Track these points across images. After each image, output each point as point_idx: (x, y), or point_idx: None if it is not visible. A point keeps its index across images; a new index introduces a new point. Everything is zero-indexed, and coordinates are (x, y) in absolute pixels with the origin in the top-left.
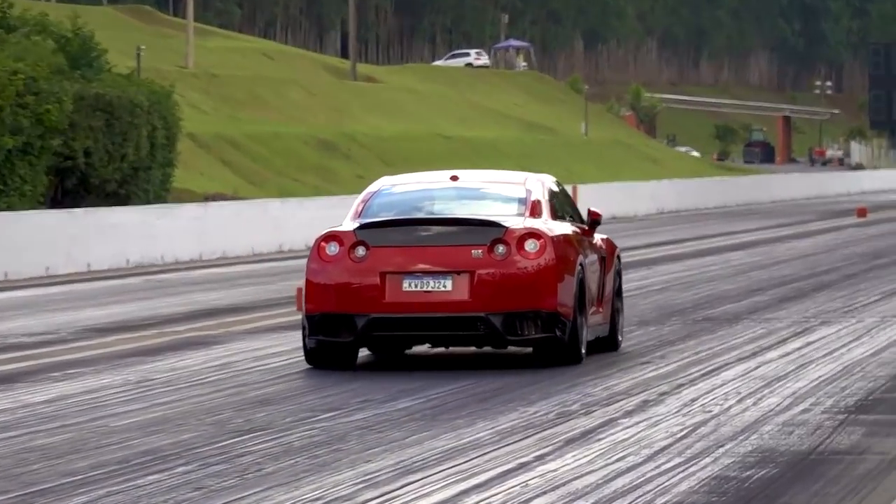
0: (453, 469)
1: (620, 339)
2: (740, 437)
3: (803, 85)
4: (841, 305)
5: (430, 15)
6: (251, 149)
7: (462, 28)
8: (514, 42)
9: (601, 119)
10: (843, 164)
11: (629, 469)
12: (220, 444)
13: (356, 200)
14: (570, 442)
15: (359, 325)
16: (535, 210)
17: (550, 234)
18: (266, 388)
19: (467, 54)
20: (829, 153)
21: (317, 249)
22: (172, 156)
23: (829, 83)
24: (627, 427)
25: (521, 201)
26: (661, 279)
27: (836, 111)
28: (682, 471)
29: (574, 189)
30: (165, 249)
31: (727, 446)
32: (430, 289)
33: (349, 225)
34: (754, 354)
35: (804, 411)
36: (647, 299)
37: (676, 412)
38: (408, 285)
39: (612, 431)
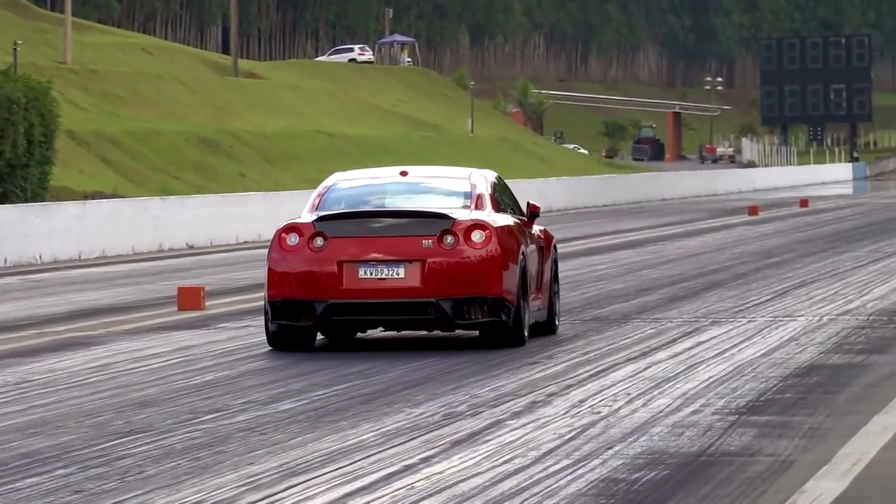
0: (337, 471)
1: (557, 323)
2: (629, 439)
3: (694, 81)
4: (732, 305)
5: (313, 9)
6: (131, 146)
7: (346, 23)
8: (398, 37)
9: (488, 116)
10: (734, 161)
11: (516, 471)
12: (100, 447)
13: (312, 194)
14: (457, 444)
15: (318, 311)
16: (479, 203)
17: (495, 225)
18: (147, 389)
19: (351, 50)
20: (720, 150)
21: (277, 240)
22: (50, 153)
23: (719, 79)
24: (515, 429)
25: (467, 195)
26: None
27: (727, 107)
28: (571, 473)
29: None
30: (43, 248)
31: (616, 448)
32: (384, 276)
33: (307, 217)
34: (644, 355)
35: (694, 412)
36: None
37: (565, 413)
38: (363, 273)
39: (499, 433)
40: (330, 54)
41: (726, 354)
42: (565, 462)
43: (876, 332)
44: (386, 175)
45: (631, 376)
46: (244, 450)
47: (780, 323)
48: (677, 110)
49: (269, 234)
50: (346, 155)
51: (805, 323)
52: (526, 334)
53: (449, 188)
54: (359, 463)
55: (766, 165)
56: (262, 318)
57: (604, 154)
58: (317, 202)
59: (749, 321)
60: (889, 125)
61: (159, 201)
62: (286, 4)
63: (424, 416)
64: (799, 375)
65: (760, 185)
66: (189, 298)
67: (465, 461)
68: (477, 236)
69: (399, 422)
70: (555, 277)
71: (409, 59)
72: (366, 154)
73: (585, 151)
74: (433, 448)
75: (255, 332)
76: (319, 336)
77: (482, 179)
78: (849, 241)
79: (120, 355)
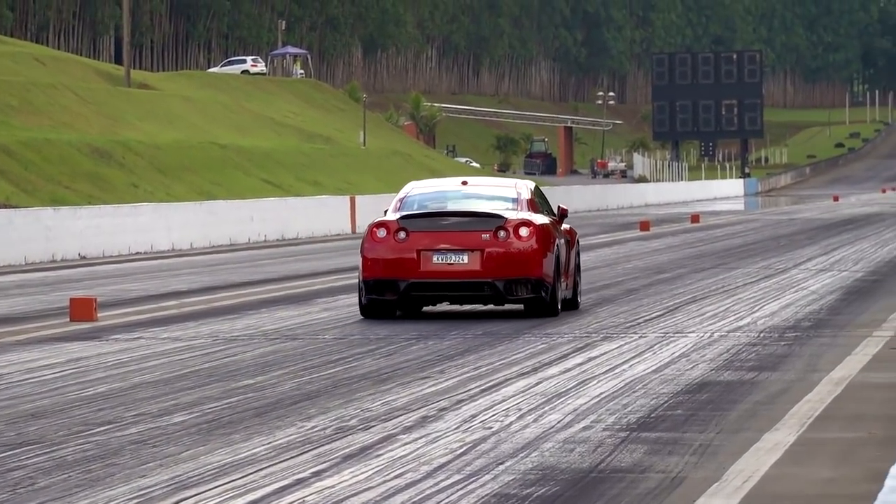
0: (229, 485)
1: (580, 300)
2: (521, 454)
3: (585, 95)
4: (623, 321)
5: (206, 20)
6: (23, 156)
7: (238, 34)
8: (291, 49)
9: (380, 128)
10: (625, 176)
11: (408, 486)
12: None
13: (395, 198)
14: (348, 458)
15: (401, 288)
16: (523, 206)
17: (536, 222)
18: (39, 400)
19: (243, 61)
20: (612, 165)
21: (370, 233)
22: None
23: (611, 94)
24: (406, 443)
25: (514, 200)
26: None
27: (619, 122)
28: (462, 488)
29: (351, 200)
30: None
31: (507, 463)
32: (452, 262)
33: (392, 216)
34: (535, 370)
35: (585, 428)
36: (427, 312)
37: (456, 428)
38: (436, 259)
39: (390, 447)
40: (223, 66)
41: (617, 370)
42: (457, 477)
43: (767, 349)
44: (450, 184)
45: (522, 391)
46: (136, 462)
47: (672, 339)
48: (569, 125)
49: (162, 245)
50: (238, 166)
51: (696, 339)
52: (559, 307)
53: (499, 194)
54: (250, 476)
55: (658, 181)
56: (158, 328)
57: (496, 168)
58: (398, 205)
59: (640, 337)
60: (780, 141)
61: (52, 211)
62: (179, 15)
63: (316, 429)
64: (690, 392)
65: (652, 200)
66: (81, 310)
67: (357, 475)
68: (523, 231)
69: (291, 435)
70: (577, 265)
71: (302, 72)
72: (258, 165)
73: (477, 165)
74: (325, 462)
75: (147, 344)
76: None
77: (525, 188)
78: (740, 257)
79: (12, 366)
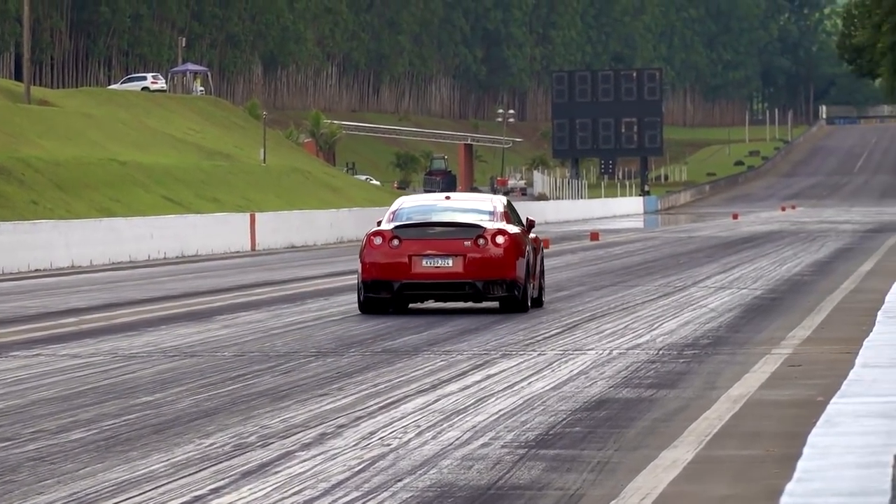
0: (127, 502)
1: (544, 299)
2: (419, 472)
3: (486, 113)
4: (522, 338)
5: (106, 37)
6: None
7: (139, 51)
8: (191, 66)
9: (280, 146)
10: (525, 193)
11: (306, 503)
12: None
13: (388, 211)
14: (247, 475)
15: (394, 287)
16: (499, 218)
17: (510, 232)
18: None
19: (144, 78)
20: (512, 182)
21: (368, 240)
22: None
23: (511, 111)
24: (305, 460)
25: (490, 213)
26: (339, 309)
27: (519, 140)
28: None
29: (252, 218)
30: None
31: (406, 480)
32: (438, 265)
33: (387, 226)
34: (434, 387)
35: (484, 445)
36: (325, 330)
37: (355, 445)
38: (425, 263)
39: (289, 464)
40: (123, 82)
41: (516, 387)
42: (355, 494)
43: (665, 367)
44: (435, 199)
45: (421, 409)
46: (34, 479)
47: (570, 356)
48: (469, 142)
49: (61, 262)
50: (139, 183)
51: (595, 357)
52: (529, 304)
53: (477, 208)
54: (148, 493)
55: (558, 198)
56: (57, 345)
57: (395, 185)
58: (391, 216)
59: (539, 354)
60: (680, 159)
61: None
62: (79, 32)
63: (215, 446)
64: (588, 409)
65: (551, 217)
66: None
67: (255, 492)
68: (499, 239)
69: (189, 452)
70: (542, 270)
71: (202, 89)
72: (157, 182)
73: (377, 182)
74: (223, 479)
75: (46, 361)
76: (111, 365)
77: (499, 202)
78: (639, 274)
79: None
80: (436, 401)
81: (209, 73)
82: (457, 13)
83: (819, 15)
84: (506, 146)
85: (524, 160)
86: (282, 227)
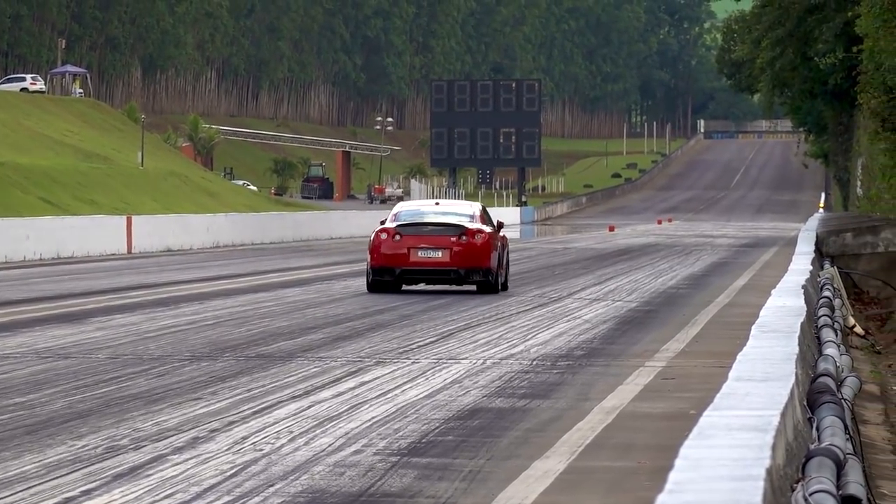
0: None
1: (508, 285)
2: (291, 477)
3: (364, 120)
4: (396, 346)
5: None
6: None
7: (18, 52)
8: (70, 68)
9: (158, 149)
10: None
11: None
12: None
13: (390, 213)
14: (119, 477)
15: (396, 272)
16: (477, 220)
17: (486, 231)
18: None
19: (23, 79)
20: (389, 190)
21: (376, 236)
22: None
23: (390, 119)
24: (177, 463)
25: (471, 216)
26: (214, 314)
27: (397, 148)
28: None
29: (128, 220)
30: None
31: (277, 486)
32: (430, 256)
33: (391, 224)
34: (307, 393)
35: (356, 452)
36: (200, 334)
37: (227, 450)
38: (420, 254)
39: (161, 468)
40: (1, 83)
41: (390, 395)
42: (226, 499)
43: (539, 377)
44: (428, 204)
45: (294, 414)
46: None
47: (444, 365)
48: (347, 149)
49: None
50: (16, 184)
51: (469, 366)
52: (499, 289)
53: (461, 212)
54: (20, 494)
55: None
56: None
57: (273, 191)
58: (393, 218)
59: (413, 362)
60: (557, 170)
61: None
62: None
63: (87, 448)
64: (461, 418)
65: None
66: None
67: (127, 495)
68: (478, 237)
69: (61, 454)
70: (507, 261)
71: (81, 91)
72: (35, 184)
73: (255, 188)
74: (95, 481)
75: None
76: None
77: (477, 208)
78: (514, 284)
79: None
80: (309, 407)
81: (88, 76)
82: (337, 20)
83: (699, 29)
84: (384, 154)
85: (402, 168)
86: (158, 231)
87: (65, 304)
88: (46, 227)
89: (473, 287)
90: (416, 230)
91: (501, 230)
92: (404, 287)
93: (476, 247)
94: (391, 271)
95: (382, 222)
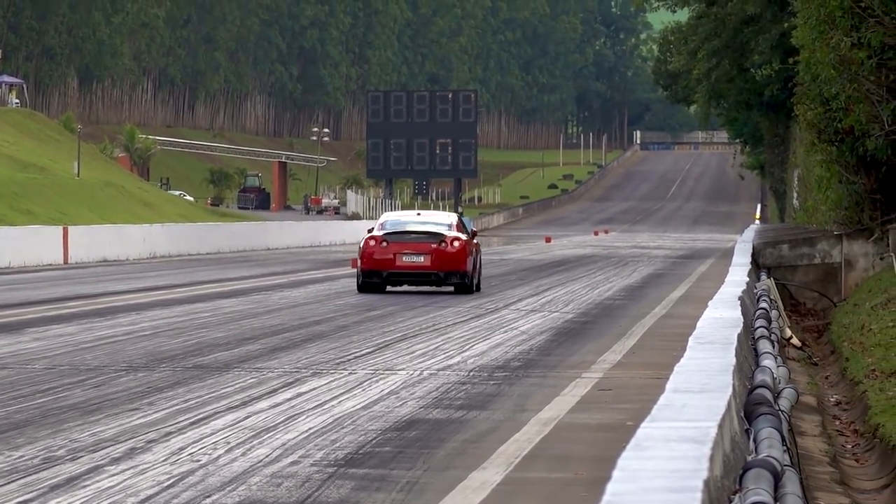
0: None
1: (480, 287)
2: (228, 488)
3: (301, 131)
4: (333, 357)
5: None
6: None
7: None
8: (6, 78)
9: (94, 160)
10: (339, 212)
11: None
12: None
13: (377, 223)
14: (55, 488)
15: (383, 275)
16: (454, 228)
17: (462, 238)
18: None
19: None
20: (325, 201)
21: (365, 242)
22: None
23: (326, 130)
24: (114, 474)
25: (449, 225)
26: (151, 324)
27: (334, 159)
28: None
29: (64, 231)
30: None
31: (214, 497)
32: (413, 260)
33: (378, 232)
34: (244, 404)
35: (293, 463)
36: (137, 345)
37: (164, 461)
38: (404, 259)
39: (98, 478)
40: None
41: (327, 406)
42: None
43: (476, 388)
44: (411, 214)
45: (231, 425)
46: None
47: (381, 376)
48: (283, 160)
49: None
50: None
51: (406, 377)
52: (474, 289)
53: (440, 221)
54: None
55: (372, 218)
56: None
57: (209, 202)
58: (380, 226)
59: (350, 373)
60: (494, 181)
61: None
62: None
63: (23, 459)
64: (398, 429)
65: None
66: None
67: None
68: (455, 244)
69: None
70: (480, 266)
71: (17, 101)
72: None
73: (191, 198)
74: (31, 492)
75: None
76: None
77: (454, 218)
78: (450, 296)
79: None
80: (246, 418)
81: (24, 86)
82: (273, 31)
83: (635, 40)
84: (320, 165)
85: (338, 179)
86: (95, 241)
87: (1, 314)
88: None
89: (451, 288)
90: (400, 237)
91: (475, 238)
92: (389, 288)
93: (453, 252)
94: (379, 274)
95: (370, 230)
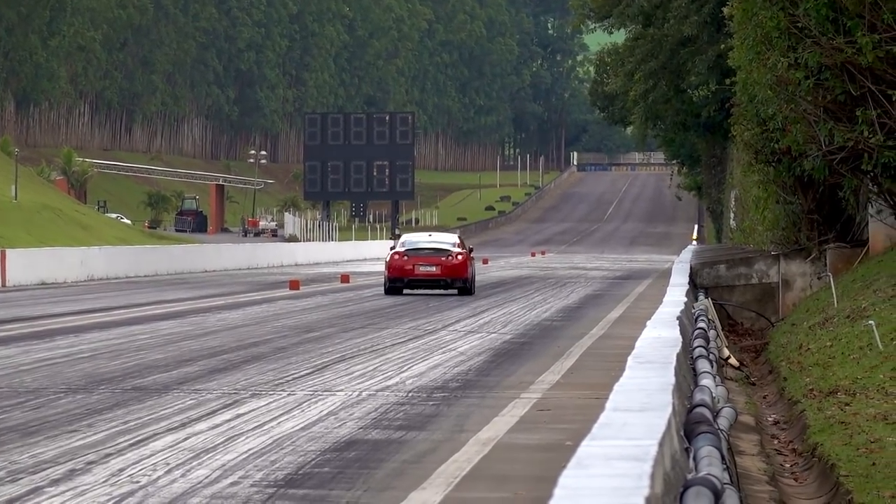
0: None
1: (475, 292)
2: None
3: (238, 154)
4: (272, 378)
5: None
6: None
7: None
8: None
9: (31, 183)
10: (276, 235)
11: None
12: None
13: (398, 242)
14: None
15: (405, 281)
16: (458, 246)
17: (465, 253)
18: None
19: None
20: (263, 224)
21: (391, 257)
22: None
23: (263, 152)
24: (54, 496)
25: (454, 243)
26: (89, 347)
27: (271, 181)
28: None
29: (2, 254)
30: None
31: None
32: (428, 270)
33: (401, 249)
34: (183, 425)
35: (233, 484)
36: (75, 367)
37: (104, 482)
38: (421, 268)
39: (37, 500)
40: None
41: (266, 427)
42: None
43: (415, 409)
44: (424, 235)
45: (171, 446)
46: None
47: (320, 397)
48: (221, 182)
49: None
50: None
51: (345, 398)
52: (473, 293)
53: (447, 240)
54: None
55: (309, 240)
56: None
57: (146, 224)
58: (401, 244)
59: (289, 394)
60: (431, 203)
61: None
62: None
63: None
64: (338, 450)
65: (302, 259)
66: None
67: None
68: (459, 257)
69: None
70: (475, 274)
71: None
72: None
73: (128, 221)
74: None
75: None
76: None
77: (456, 238)
78: (389, 317)
79: None
80: (185, 439)
81: None
82: (210, 53)
83: (571, 62)
84: (257, 187)
85: (276, 202)
86: (32, 264)
87: None
88: None
89: (455, 291)
90: (417, 253)
91: (472, 253)
92: (406, 291)
93: (457, 264)
94: (401, 280)
95: (392, 248)
